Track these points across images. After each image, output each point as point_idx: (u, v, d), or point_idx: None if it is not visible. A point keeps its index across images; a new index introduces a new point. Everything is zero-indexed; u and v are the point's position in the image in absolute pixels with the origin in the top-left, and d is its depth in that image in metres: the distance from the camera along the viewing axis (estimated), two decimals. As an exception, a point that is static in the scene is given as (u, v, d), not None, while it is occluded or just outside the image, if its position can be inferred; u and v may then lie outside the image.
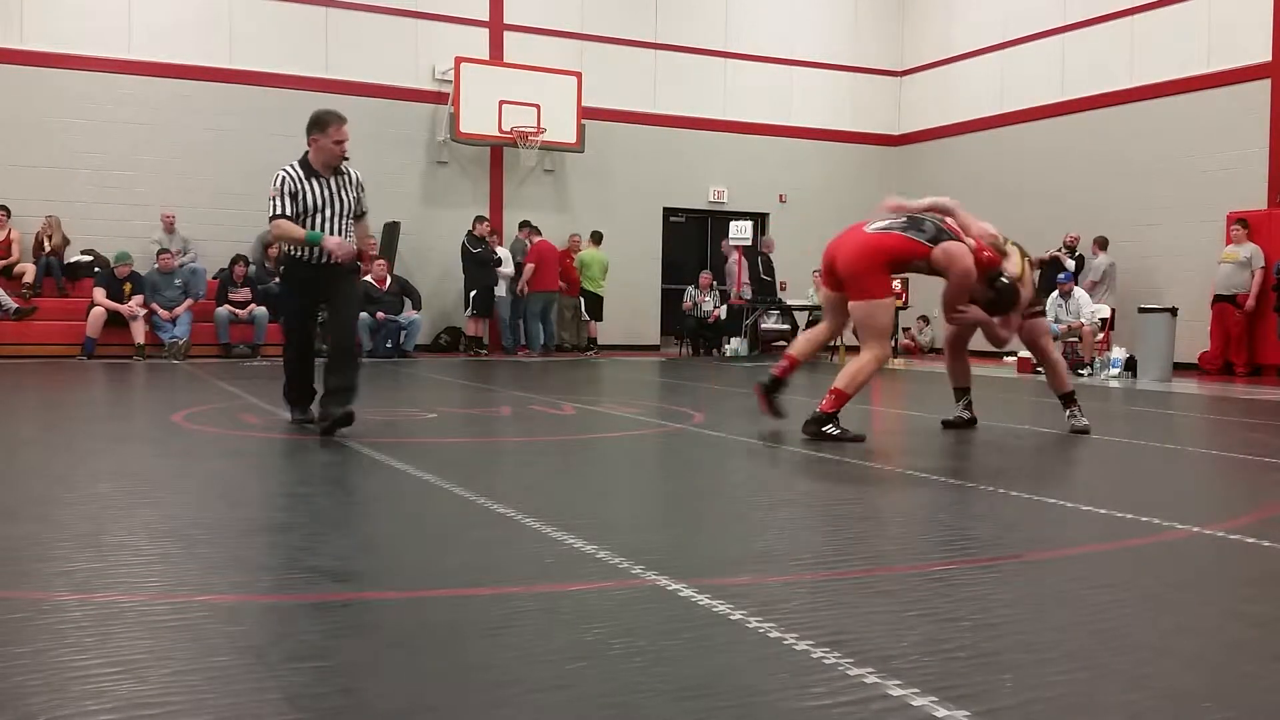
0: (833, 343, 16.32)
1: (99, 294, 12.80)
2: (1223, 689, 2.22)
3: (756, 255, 15.96)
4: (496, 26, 16.37)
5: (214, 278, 14.14)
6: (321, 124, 6.08)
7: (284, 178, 6.02)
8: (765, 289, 16.08)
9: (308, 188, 6.01)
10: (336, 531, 3.69)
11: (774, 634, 2.47)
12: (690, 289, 16.74)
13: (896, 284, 15.43)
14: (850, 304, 6.33)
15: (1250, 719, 2.04)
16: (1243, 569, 3.35)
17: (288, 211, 5.96)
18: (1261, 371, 12.87)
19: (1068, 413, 6.77)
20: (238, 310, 13.66)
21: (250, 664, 2.24)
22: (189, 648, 2.36)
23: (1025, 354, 13.67)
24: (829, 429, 6.17)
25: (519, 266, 15.46)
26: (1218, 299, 13.00)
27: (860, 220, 6.58)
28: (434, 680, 2.18)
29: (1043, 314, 7.07)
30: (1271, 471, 5.49)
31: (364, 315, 14.03)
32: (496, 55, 16.31)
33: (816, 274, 16.43)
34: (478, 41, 16.22)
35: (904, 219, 6.28)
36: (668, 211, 17.84)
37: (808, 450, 5.83)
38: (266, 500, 4.30)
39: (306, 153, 6.11)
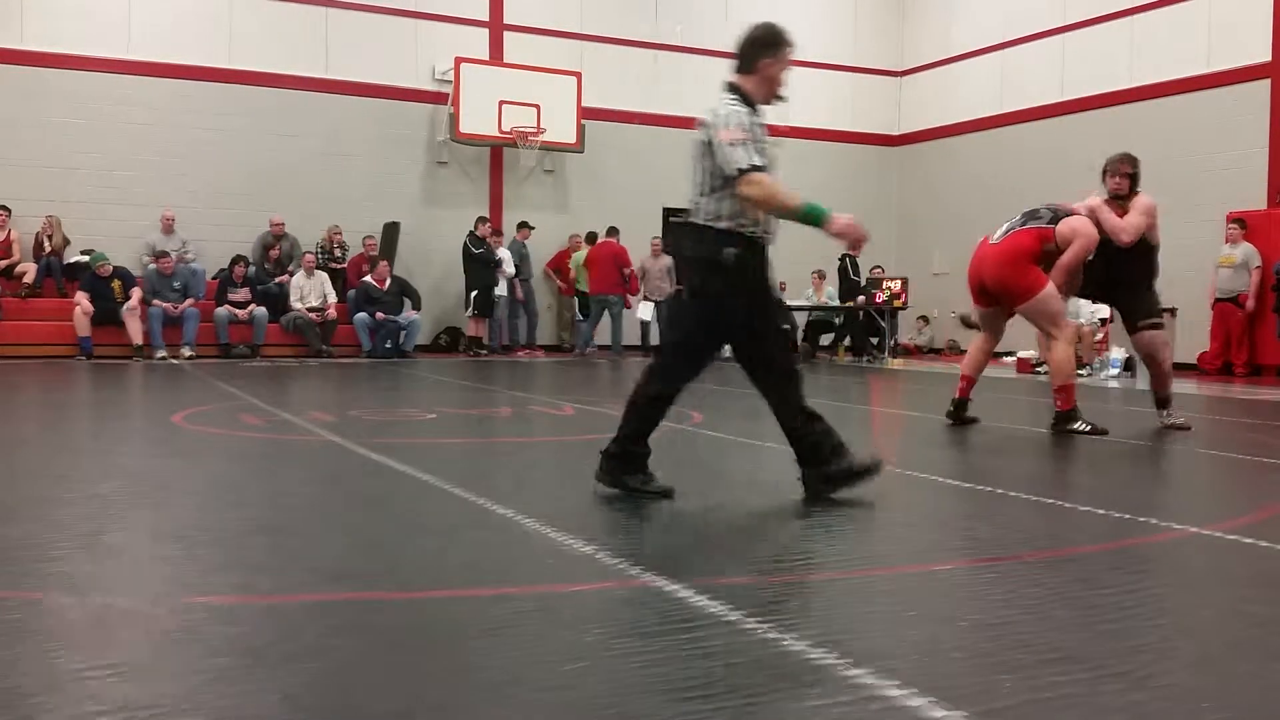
0: (844, 343, 16.41)
1: (81, 296, 12.79)
2: (1223, 689, 2.21)
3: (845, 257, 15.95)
4: (496, 26, 16.37)
5: (213, 278, 14.14)
6: (777, 41, 4.33)
7: (747, 114, 4.06)
8: (853, 290, 16.09)
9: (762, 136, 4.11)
10: (336, 532, 3.69)
11: (772, 635, 2.47)
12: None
13: (896, 284, 15.47)
14: (1019, 310, 6.69)
15: (1249, 718, 2.04)
16: (1242, 569, 3.35)
17: (764, 164, 4.00)
18: (1261, 372, 12.87)
19: (1165, 413, 6.98)
20: (237, 310, 13.67)
21: (250, 664, 2.24)
22: (188, 649, 2.36)
23: (1025, 354, 13.68)
24: (1078, 426, 6.50)
25: (518, 267, 15.49)
26: (1218, 300, 13.00)
27: (986, 234, 6.96)
28: (433, 681, 2.18)
29: (1162, 325, 7.09)
30: (1271, 472, 5.48)
31: (363, 315, 14.06)
32: (496, 55, 16.31)
33: (815, 275, 16.57)
34: (478, 42, 16.22)
35: (1019, 217, 6.73)
36: (668, 212, 17.83)
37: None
38: (266, 501, 4.30)
39: (732, 88, 4.21)
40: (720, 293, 4.10)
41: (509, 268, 15.30)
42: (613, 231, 15.62)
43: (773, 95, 4.25)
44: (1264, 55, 13.31)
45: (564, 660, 2.29)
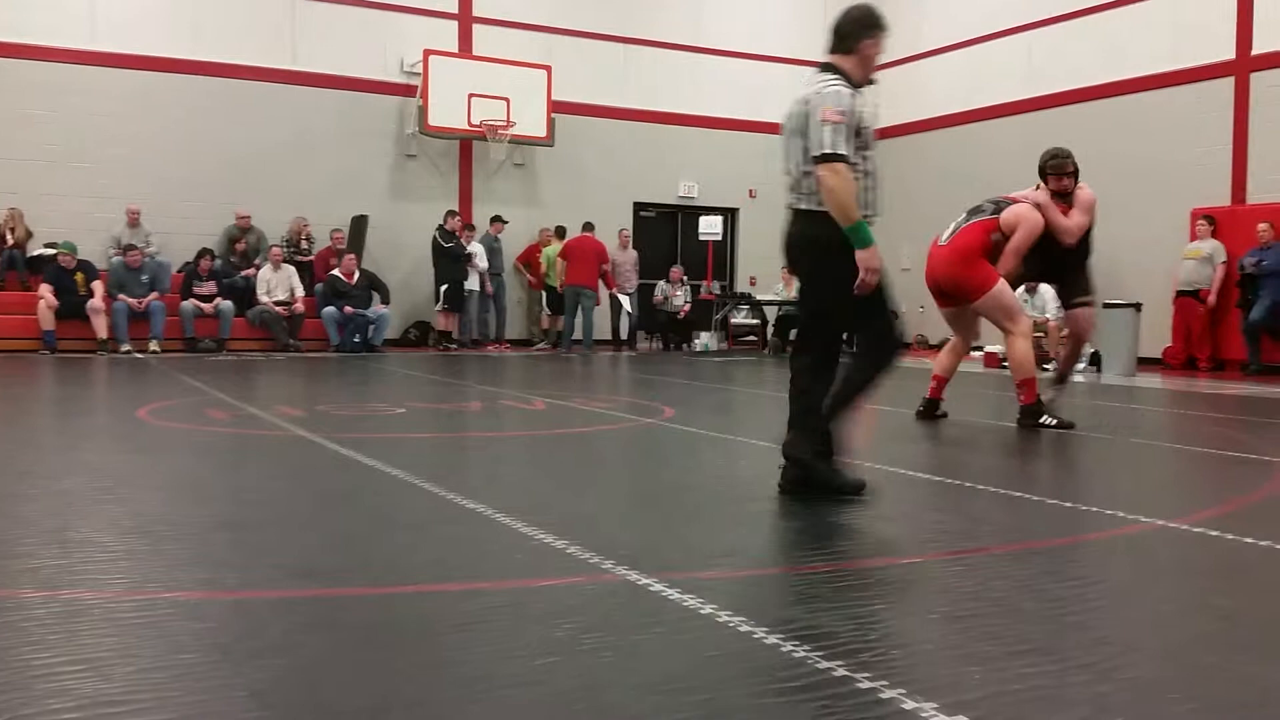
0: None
1: (45, 289, 12.62)
2: (1189, 681, 2.24)
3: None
4: (465, 19, 16.30)
5: (179, 271, 14.00)
6: (878, 22, 4.25)
7: (849, 96, 4.01)
8: None
9: (862, 117, 4.05)
10: (304, 527, 3.66)
11: (744, 628, 2.48)
12: (661, 284, 16.73)
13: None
14: (974, 307, 6.77)
15: (1215, 710, 2.07)
16: (1207, 562, 3.39)
17: (851, 154, 3.95)
18: (1224, 366, 13.03)
19: (1052, 393, 7.09)
20: (203, 304, 13.54)
21: (216, 661, 2.22)
22: (154, 645, 2.34)
23: (992, 349, 13.78)
24: (1045, 420, 6.63)
25: (490, 261, 15.46)
26: (1180, 294, 13.16)
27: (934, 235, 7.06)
28: (402, 677, 2.16)
29: (1092, 304, 7.31)
30: (1234, 465, 5.55)
31: (331, 309, 13.97)
32: (465, 48, 16.23)
33: (784, 270, 16.60)
34: (446, 34, 16.14)
35: (964, 215, 6.88)
36: (638, 206, 17.83)
37: (776, 446, 5.84)
38: (232, 496, 4.26)
39: (830, 68, 4.16)
40: (834, 272, 4.02)
41: (481, 262, 15.25)
42: (589, 227, 15.62)
43: (868, 77, 4.22)
44: (1229, 53, 13.46)
45: (535, 655, 2.28)
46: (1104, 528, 3.79)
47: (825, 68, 4.16)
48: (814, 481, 4.14)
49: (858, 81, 4.13)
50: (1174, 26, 14.13)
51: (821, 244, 4.03)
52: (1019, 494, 4.44)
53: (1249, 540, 3.53)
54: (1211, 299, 12.81)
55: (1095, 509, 4.04)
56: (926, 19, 18.17)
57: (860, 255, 3.92)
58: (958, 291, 6.74)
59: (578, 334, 15.28)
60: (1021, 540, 3.66)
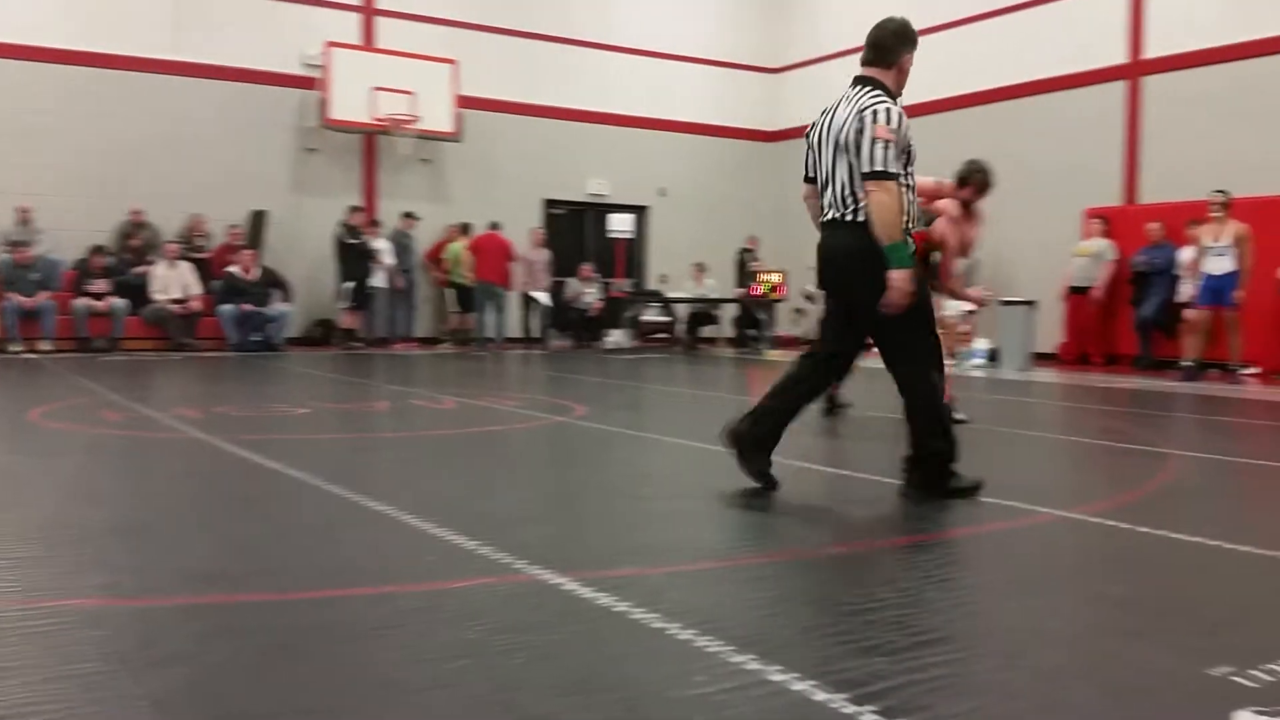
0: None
1: None
2: (1088, 666, 2.31)
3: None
4: (369, 11, 16.03)
5: (71, 269, 13.52)
6: (915, 36, 4.37)
7: (898, 113, 4.06)
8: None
9: (909, 134, 4.14)
10: (205, 532, 3.57)
11: (658, 624, 2.48)
12: (572, 281, 16.68)
13: (777, 276, 15.72)
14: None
15: (1114, 694, 2.13)
16: (1103, 551, 3.50)
17: (901, 174, 4.03)
18: (1116, 361, 13.48)
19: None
20: (96, 302, 13.10)
21: (116, 670, 2.15)
22: (51, 654, 2.26)
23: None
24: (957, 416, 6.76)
25: (400, 257, 15.28)
26: (1072, 291, 13.57)
27: None
28: (310, 684, 2.12)
29: None
30: (1127, 457, 5.75)
31: (229, 307, 13.63)
32: (369, 41, 15.97)
33: (695, 267, 16.73)
34: (349, 26, 15.84)
35: None
36: (548, 203, 17.76)
37: (689, 442, 5.88)
38: (129, 500, 4.13)
39: (871, 82, 4.19)
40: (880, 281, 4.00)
41: (387, 258, 15.04)
42: (496, 226, 15.54)
43: (901, 90, 4.26)
44: (1120, 58, 13.93)
45: (447, 658, 2.25)
46: (1004, 519, 3.88)
47: (865, 81, 4.18)
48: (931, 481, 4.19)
49: (896, 95, 4.17)
50: (1070, 32, 14.57)
51: (874, 254, 4.00)
52: (923, 487, 4.53)
53: (1142, 529, 3.66)
54: (1098, 294, 13.25)
55: (995, 501, 4.14)
56: (825, 22, 18.45)
57: (895, 275, 3.94)
58: None
59: (490, 331, 15.18)
60: (927, 531, 3.74)
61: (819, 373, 4.36)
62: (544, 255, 15.88)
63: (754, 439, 4.24)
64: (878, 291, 3.99)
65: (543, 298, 15.73)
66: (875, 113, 3.98)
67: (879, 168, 3.92)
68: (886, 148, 3.93)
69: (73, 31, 14.08)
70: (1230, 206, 10.92)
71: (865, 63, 4.23)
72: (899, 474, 4.27)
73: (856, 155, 4.01)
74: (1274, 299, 11.36)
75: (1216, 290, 10.93)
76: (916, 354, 4.16)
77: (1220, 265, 10.88)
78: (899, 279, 3.94)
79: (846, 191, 4.08)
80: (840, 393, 7.24)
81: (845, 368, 4.40)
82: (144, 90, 14.37)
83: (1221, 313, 11.01)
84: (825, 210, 4.22)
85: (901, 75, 4.25)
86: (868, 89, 4.10)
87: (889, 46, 4.22)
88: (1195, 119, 13.01)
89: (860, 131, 3.99)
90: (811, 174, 4.31)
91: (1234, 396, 9.41)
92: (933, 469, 4.14)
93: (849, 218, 4.09)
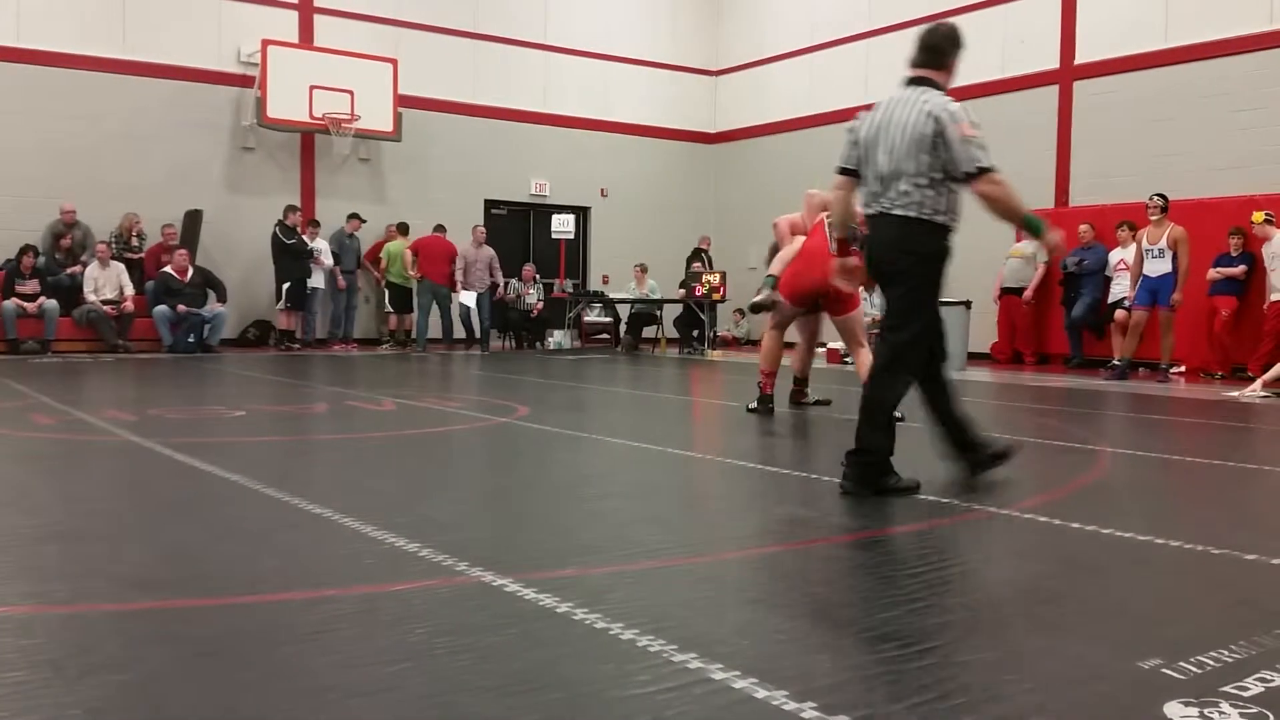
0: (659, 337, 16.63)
1: None
2: (1021, 662, 2.35)
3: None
4: (306, 9, 15.83)
5: (1, 268, 13.19)
6: (962, 39, 4.45)
7: (968, 110, 4.27)
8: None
9: None
10: (138, 537, 3.50)
11: (600, 624, 2.48)
12: (514, 281, 16.61)
13: (716, 278, 15.78)
14: (840, 319, 7.08)
15: (1048, 688, 2.17)
16: (1036, 546, 3.57)
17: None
18: (1048, 360, 13.74)
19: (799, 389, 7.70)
20: (26, 304, 12.79)
21: (48, 678, 2.11)
22: (-26, 666, 2.20)
23: (835, 345, 14.19)
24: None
25: (337, 258, 15.12)
26: (1005, 292, 13.81)
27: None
28: (247, 690, 2.09)
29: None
30: (1060, 454, 5.86)
31: (163, 308, 13.39)
32: (306, 39, 15.77)
33: (637, 268, 16.75)
34: (286, 24, 15.64)
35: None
36: (489, 204, 17.68)
37: (631, 443, 5.89)
38: (60, 505, 4.04)
39: (927, 82, 4.32)
40: (934, 280, 4.30)
41: (326, 259, 14.87)
42: (440, 229, 15.47)
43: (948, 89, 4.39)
44: (1053, 63, 14.19)
45: (386, 662, 2.23)
46: (944, 515, 3.94)
47: (920, 81, 4.31)
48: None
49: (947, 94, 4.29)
50: (1003, 36, 14.82)
51: (925, 251, 4.25)
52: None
53: (1075, 525, 3.73)
54: (1029, 295, 13.49)
55: (933, 498, 4.20)
56: (766, 26, 18.59)
57: (1048, 240, 4.31)
58: (836, 301, 6.89)
59: (433, 332, 15.08)
60: (867, 529, 3.78)
61: (925, 369, 4.44)
62: (486, 254, 15.78)
63: (961, 449, 4.57)
64: (920, 285, 4.27)
65: (468, 298, 15.53)
66: (954, 113, 4.13)
67: (983, 164, 4.09)
68: (978, 144, 4.11)
69: (2, 28, 13.74)
70: (1168, 210, 11.18)
71: (918, 65, 4.38)
72: (839, 472, 4.30)
73: (932, 152, 4.12)
74: (1203, 300, 11.65)
75: (1154, 291, 11.18)
76: (915, 326, 4.30)
77: (1158, 267, 11.14)
78: (1054, 237, 4.31)
79: (906, 186, 4.19)
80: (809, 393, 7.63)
81: (938, 346, 4.49)
82: (76, 87, 14.08)
83: (1157, 313, 11.26)
84: (869, 203, 4.36)
85: (951, 77, 4.40)
86: (927, 89, 4.23)
87: (943, 49, 4.37)
88: (1125, 123, 13.31)
89: (939, 133, 4.11)
90: (852, 167, 4.45)
91: (1162, 395, 9.64)
92: (872, 466, 4.21)
93: (896, 211, 4.22)
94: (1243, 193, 11.90)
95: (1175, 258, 11.02)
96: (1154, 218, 11.18)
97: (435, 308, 15.23)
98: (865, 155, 4.36)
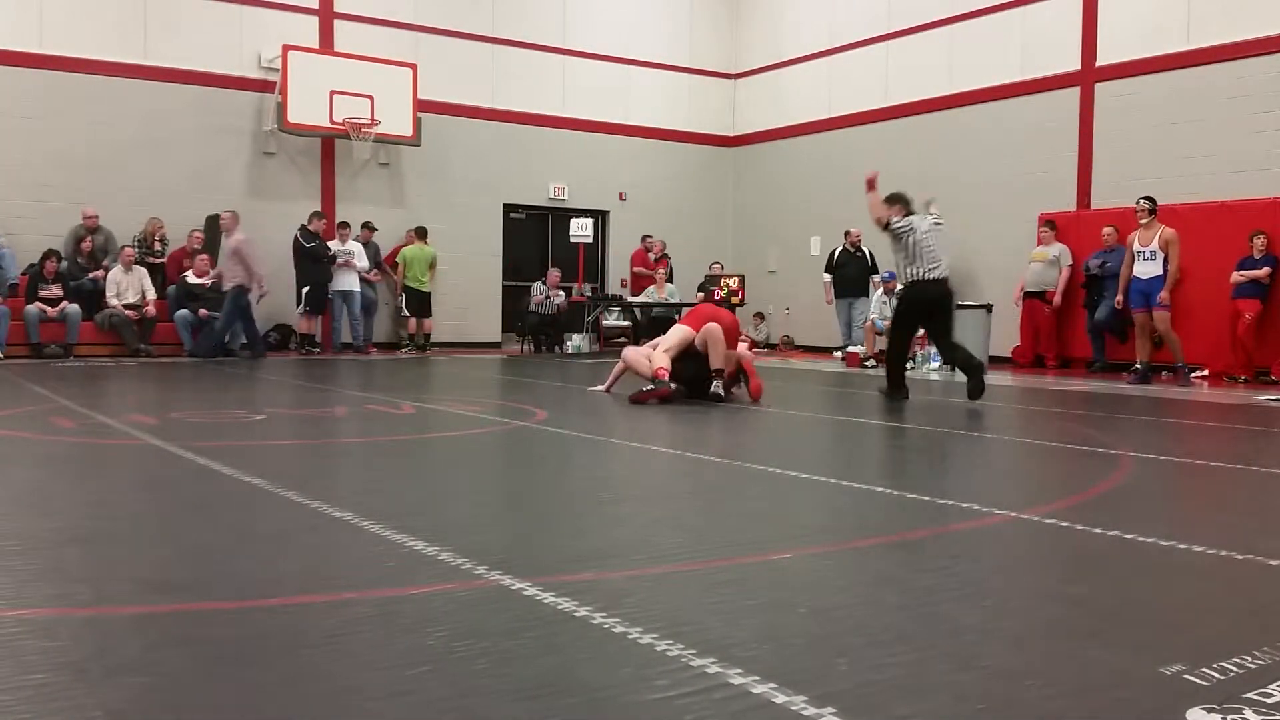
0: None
1: None
2: (1044, 667, 2.34)
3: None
4: (326, 15, 15.92)
5: (23, 273, 13.31)
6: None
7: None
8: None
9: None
10: (160, 540, 3.52)
11: (618, 629, 2.48)
12: (539, 285, 16.60)
13: (734, 281, 15.81)
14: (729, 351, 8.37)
15: (1069, 695, 2.16)
16: (1058, 551, 3.55)
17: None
18: (1070, 364, 13.66)
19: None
20: (49, 308, 12.90)
21: (70, 681, 2.12)
22: (3, 666, 2.22)
23: (854, 349, 14.17)
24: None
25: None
26: (1028, 295, 13.74)
27: None
28: (267, 693, 2.10)
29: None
30: (1082, 458, 5.82)
31: (184, 312, 13.48)
32: (327, 44, 15.86)
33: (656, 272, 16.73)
34: (307, 29, 15.73)
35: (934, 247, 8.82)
36: (508, 208, 17.72)
37: (649, 446, 5.89)
38: (83, 508, 4.07)
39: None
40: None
41: (360, 260, 15.00)
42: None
43: None
44: (1074, 65, 14.12)
45: (405, 665, 2.24)
46: (962, 520, 3.92)
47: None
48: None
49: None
50: (1022, 38, 14.76)
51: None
52: (881, 489, 4.57)
53: (1097, 530, 3.71)
54: (1057, 299, 13.42)
55: (954, 502, 4.18)
56: (784, 29, 18.57)
57: None
58: (733, 333, 8.40)
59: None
60: (885, 533, 3.76)
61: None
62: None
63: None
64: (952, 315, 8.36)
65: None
66: (941, 224, 7.16)
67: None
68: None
69: (26, 34, 13.87)
70: (1156, 212, 11.15)
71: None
72: (863, 472, 4.28)
73: (944, 239, 7.00)
74: (1227, 303, 11.56)
75: (1144, 293, 11.14)
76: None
77: (1149, 269, 11.10)
78: None
79: (941, 259, 8.18)
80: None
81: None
82: (98, 93, 14.20)
83: (1150, 315, 11.21)
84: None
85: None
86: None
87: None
88: (1146, 125, 13.23)
89: (940, 225, 7.00)
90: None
91: (1184, 398, 9.56)
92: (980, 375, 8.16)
93: (943, 275, 8.46)
94: (1265, 195, 11.81)
95: (1166, 260, 11.02)
96: (1143, 220, 11.17)
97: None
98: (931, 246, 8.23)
